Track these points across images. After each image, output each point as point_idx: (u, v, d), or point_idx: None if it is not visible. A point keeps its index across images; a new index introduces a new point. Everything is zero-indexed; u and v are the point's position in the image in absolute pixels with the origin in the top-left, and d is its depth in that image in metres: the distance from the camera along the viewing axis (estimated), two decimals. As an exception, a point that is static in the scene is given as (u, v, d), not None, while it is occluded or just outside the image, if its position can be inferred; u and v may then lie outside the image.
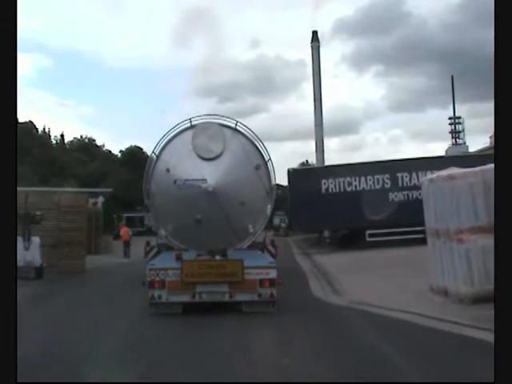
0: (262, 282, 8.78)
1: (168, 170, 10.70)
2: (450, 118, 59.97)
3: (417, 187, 23.58)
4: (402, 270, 13.40)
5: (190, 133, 11.00)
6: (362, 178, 23.89)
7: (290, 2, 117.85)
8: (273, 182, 11.36)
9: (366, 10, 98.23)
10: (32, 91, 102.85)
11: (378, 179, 23.88)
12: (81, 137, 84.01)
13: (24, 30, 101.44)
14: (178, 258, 9.08)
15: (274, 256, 10.70)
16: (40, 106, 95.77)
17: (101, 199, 30.52)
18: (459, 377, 5.22)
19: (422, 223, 22.45)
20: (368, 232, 23.58)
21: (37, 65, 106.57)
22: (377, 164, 24.95)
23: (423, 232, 23.10)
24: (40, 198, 15.73)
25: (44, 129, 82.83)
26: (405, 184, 23.81)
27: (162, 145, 11.25)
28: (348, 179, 23.86)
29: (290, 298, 10.17)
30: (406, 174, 23.83)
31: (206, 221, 10.28)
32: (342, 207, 23.33)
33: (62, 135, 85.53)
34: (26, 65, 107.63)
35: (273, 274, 8.85)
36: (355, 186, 23.88)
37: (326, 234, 27.34)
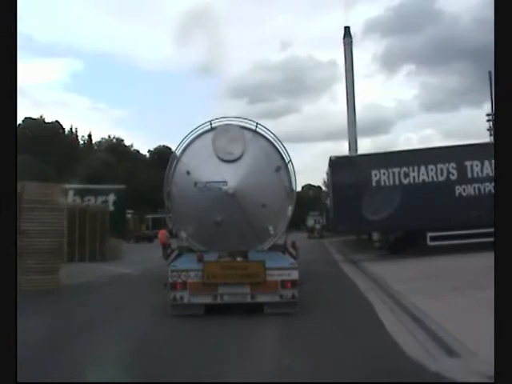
0: (283, 283, 8.77)
1: (188, 173, 10.73)
2: (487, 115, 56.38)
3: (491, 178, 19.04)
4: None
5: (210, 135, 11.04)
6: (422, 168, 19.29)
7: (321, 2, 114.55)
8: (293, 184, 11.37)
9: (397, 10, 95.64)
10: (66, 95, 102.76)
11: (441, 169, 19.23)
12: (108, 137, 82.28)
13: (57, 35, 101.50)
14: (200, 260, 9.01)
15: (294, 257, 10.38)
16: (74, 110, 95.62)
17: (112, 197, 26.93)
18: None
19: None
20: (430, 234, 19.00)
21: (70, 69, 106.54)
22: (440, 150, 20.24)
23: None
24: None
25: (71, 129, 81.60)
26: (475, 175, 19.11)
27: (182, 147, 11.31)
28: (404, 169, 19.31)
29: (362, 358, 6.03)
30: (476, 162, 19.11)
31: (227, 223, 10.31)
32: (396, 204, 18.94)
33: (89, 135, 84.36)
34: (60, 69, 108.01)
35: (294, 275, 8.86)
36: (413, 178, 19.30)
37: (376, 236, 22.82)
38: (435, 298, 9.03)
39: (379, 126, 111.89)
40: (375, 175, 19.33)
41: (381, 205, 18.98)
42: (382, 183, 19.34)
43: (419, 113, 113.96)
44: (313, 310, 9.39)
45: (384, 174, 19.32)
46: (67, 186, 27.49)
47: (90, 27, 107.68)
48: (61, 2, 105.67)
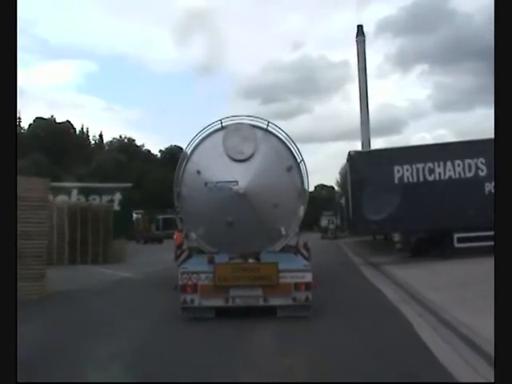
0: (297, 286, 8.60)
1: (198, 172, 10.54)
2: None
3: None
4: None
5: (220, 134, 10.85)
6: (449, 164, 17.86)
7: (333, 2, 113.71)
8: (305, 184, 11.18)
9: (410, 9, 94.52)
10: (80, 96, 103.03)
11: (469, 164, 17.78)
12: (120, 137, 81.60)
13: (70, 37, 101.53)
14: (211, 262, 8.88)
15: (306, 259, 10.03)
16: (87, 111, 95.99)
17: (118, 196, 25.77)
18: None
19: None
20: (457, 235, 17.55)
21: (85, 70, 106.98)
22: (468, 144, 18.74)
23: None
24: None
25: (82, 129, 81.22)
26: (507, 171, 17.55)
27: (192, 146, 11.11)
28: (429, 165, 17.88)
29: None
30: (508, 156, 17.55)
31: (238, 223, 10.17)
32: (420, 202, 17.56)
33: (100, 135, 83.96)
34: (75, 71, 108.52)
35: (308, 277, 8.67)
36: (439, 174, 17.87)
37: (396, 237, 21.32)
38: (483, 312, 7.58)
39: (392, 126, 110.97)
40: (398, 171, 17.94)
41: (404, 203, 17.59)
42: (406, 180, 17.93)
43: (432, 113, 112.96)
44: (330, 318, 8.67)
45: (407, 170, 17.92)
46: (70, 184, 26.52)
47: (98, 28, 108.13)
48: (72, 4, 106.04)
